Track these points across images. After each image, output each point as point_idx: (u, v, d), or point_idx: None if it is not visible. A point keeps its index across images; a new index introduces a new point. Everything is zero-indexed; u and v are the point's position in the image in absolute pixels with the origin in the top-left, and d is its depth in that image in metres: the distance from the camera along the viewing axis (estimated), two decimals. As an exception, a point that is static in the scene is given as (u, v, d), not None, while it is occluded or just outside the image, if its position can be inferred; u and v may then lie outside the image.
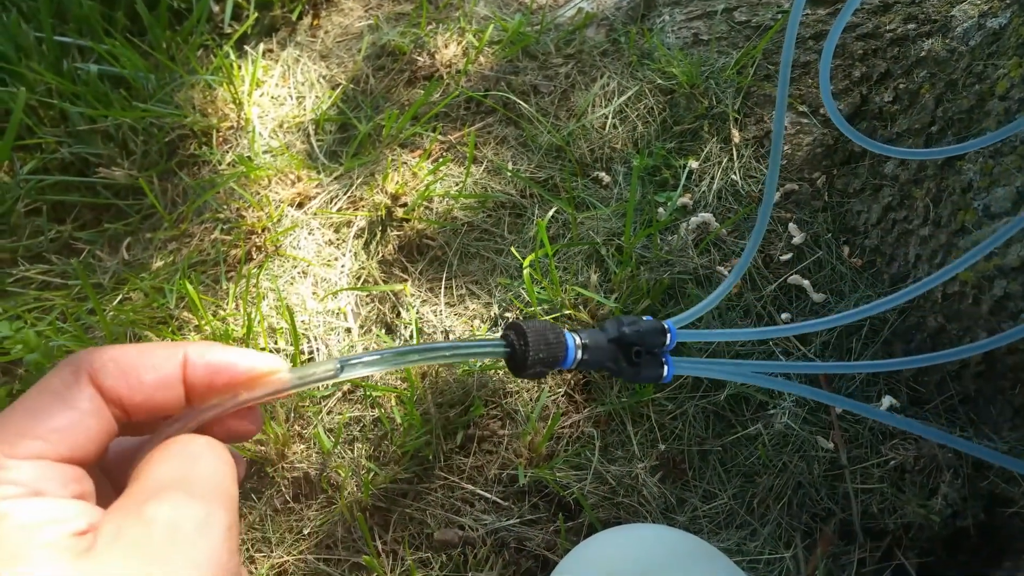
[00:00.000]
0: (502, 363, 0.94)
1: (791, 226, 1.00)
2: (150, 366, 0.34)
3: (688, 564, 0.71)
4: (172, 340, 0.99)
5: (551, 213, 1.03)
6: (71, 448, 0.32)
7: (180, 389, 0.35)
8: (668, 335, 0.47)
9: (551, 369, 0.42)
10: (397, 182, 1.06)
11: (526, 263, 0.94)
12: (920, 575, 0.87)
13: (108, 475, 0.37)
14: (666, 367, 0.47)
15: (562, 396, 0.94)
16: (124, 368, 0.34)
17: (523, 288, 0.96)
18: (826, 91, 0.62)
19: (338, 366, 0.37)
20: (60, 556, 0.28)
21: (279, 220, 1.08)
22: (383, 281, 1.03)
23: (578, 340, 0.43)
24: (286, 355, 0.97)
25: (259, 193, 1.11)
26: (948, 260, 0.87)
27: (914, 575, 0.84)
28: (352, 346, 0.99)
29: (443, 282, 1.03)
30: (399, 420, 0.90)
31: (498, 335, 0.42)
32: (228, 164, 1.18)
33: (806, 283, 0.96)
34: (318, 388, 0.95)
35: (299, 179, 1.11)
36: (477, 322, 0.99)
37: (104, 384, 0.33)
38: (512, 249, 1.01)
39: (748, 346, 0.94)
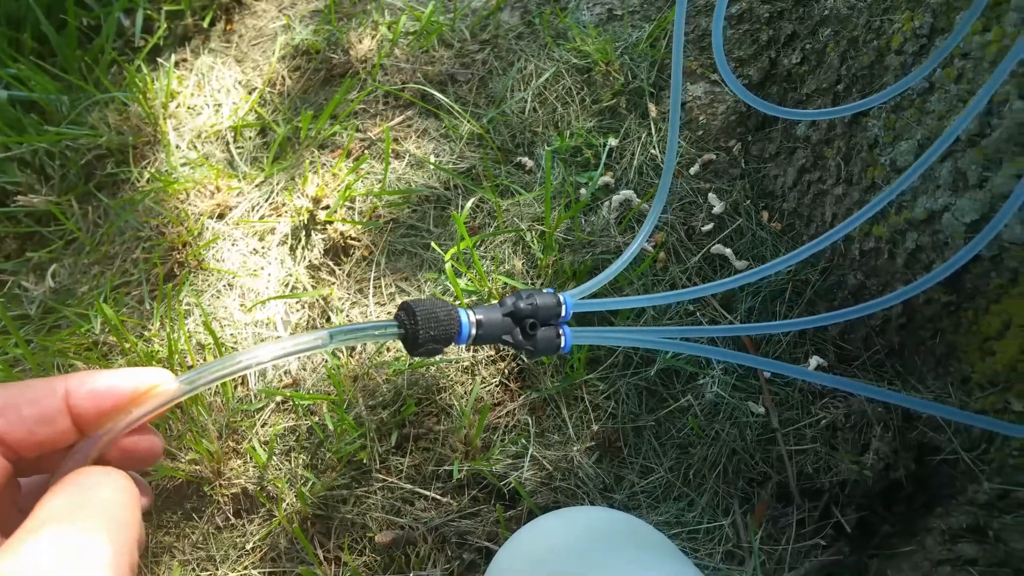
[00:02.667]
0: (433, 359, 0.94)
1: (711, 196, 1.00)
2: (28, 401, 0.34)
3: (619, 542, 0.71)
4: (98, 367, 0.98)
5: (470, 204, 1.02)
6: None
7: (66, 422, 0.35)
8: (563, 307, 0.48)
9: (446, 345, 0.43)
10: (317, 184, 1.05)
11: (448, 256, 0.94)
12: (859, 530, 0.89)
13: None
14: (563, 338, 0.47)
15: (496, 386, 0.94)
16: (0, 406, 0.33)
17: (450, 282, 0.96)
18: (719, 53, 0.61)
19: (236, 362, 0.37)
20: None
21: (199, 234, 1.06)
22: (311, 286, 1.02)
23: (472, 317, 0.43)
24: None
25: (177, 208, 1.09)
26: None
27: (849, 531, 0.85)
28: (283, 355, 0.97)
29: (371, 282, 1.02)
30: (331, 427, 0.89)
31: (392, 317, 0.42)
32: (147, 181, 1.16)
33: (728, 252, 0.96)
34: (251, 400, 0.94)
35: (218, 189, 1.10)
36: (408, 319, 0.99)
37: None
38: (433, 244, 1.00)
39: (676, 318, 0.94)
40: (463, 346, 0.41)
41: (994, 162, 0.73)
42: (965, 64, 0.75)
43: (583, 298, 0.52)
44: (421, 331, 0.41)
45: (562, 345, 0.47)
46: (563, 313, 0.47)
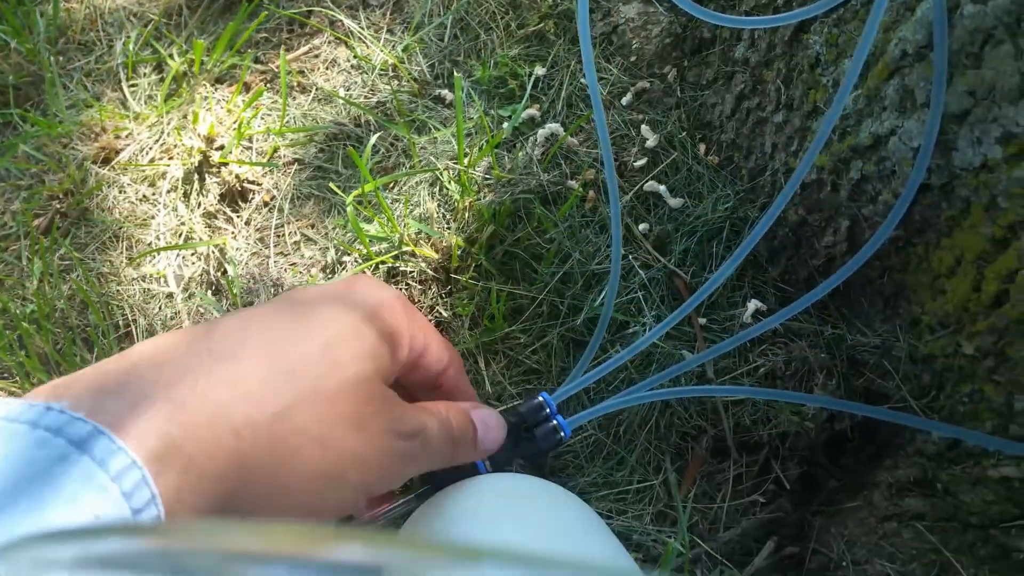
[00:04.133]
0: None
1: (644, 128, 0.91)
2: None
3: (527, 511, 0.64)
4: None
5: (373, 140, 0.92)
6: None
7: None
8: (546, 405, 0.52)
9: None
10: (210, 122, 0.95)
11: (350, 200, 0.85)
12: (802, 485, 0.83)
13: None
14: (561, 429, 0.51)
15: (410, 341, 0.85)
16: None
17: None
18: None
19: None
20: None
21: (83, 180, 0.96)
22: (208, 236, 0.92)
23: None
24: (100, 330, 0.87)
25: (59, 153, 0.98)
26: (803, 147, 0.80)
27: (789, 487, 0.79)
28: (176, 313, 0.88)
29: (273, 230, 0.92)
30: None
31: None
32: (30, 125, 1.04)
33: (662, 188, 0.88)
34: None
35: (103, 131, 0.99)
36: (315, 270, 0.90)
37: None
38: (332, 186, 0.90)
39: (605, 263, 0.86)
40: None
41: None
42: (913, -34, 0.66)
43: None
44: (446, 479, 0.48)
45: (562, 435, 0.52)
46: (548, 409, 0.52)
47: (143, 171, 0.96)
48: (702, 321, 0.83)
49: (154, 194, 0.95)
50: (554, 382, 0.83)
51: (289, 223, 0.93)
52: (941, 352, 0.75)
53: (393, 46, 1.02)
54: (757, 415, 0.81)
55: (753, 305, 0.82)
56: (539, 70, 0.98)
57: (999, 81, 0.60)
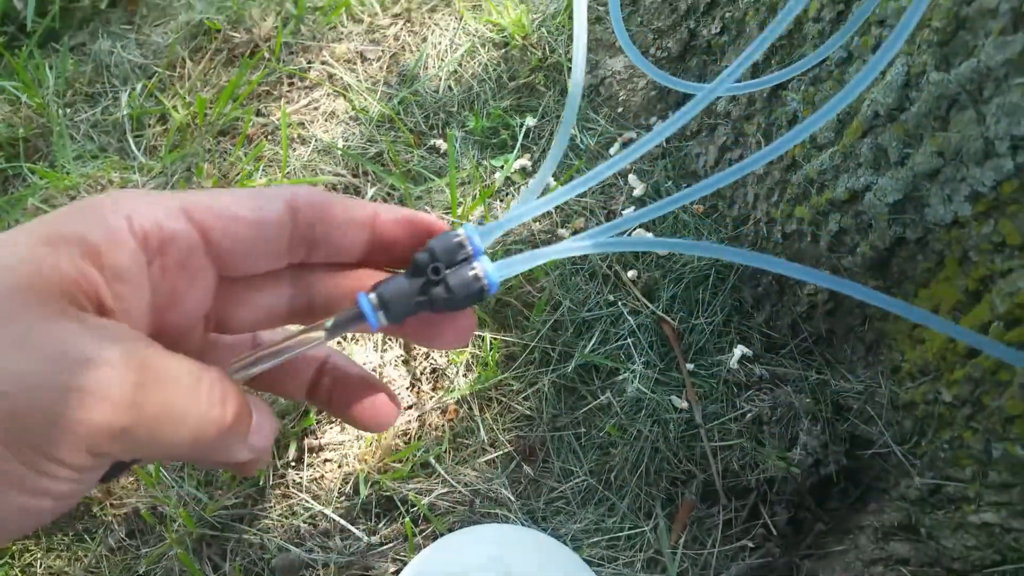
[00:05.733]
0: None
1: (631, 177, 0.94)
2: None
3: (520, 563, 0.66)
4: None
5: (372, 192, 0.95)
6: None
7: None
8: (467, 241, 0.35)
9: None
10: (214, 175, 0.98)
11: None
12: (791, 528, 0.84)
13: None
14: (483, 275, 0.35)
15: (406, 388, 0.88)
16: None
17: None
18: (619, 25, 0.55)
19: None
20: None
21: (88, 233, 0.99)
22: (210, 286, 0.95)
23: (372, 297, 0.33)
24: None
25: (65, 205, 1.01)
26: (784, 197, 0.83)
27: (777, 532, 0.81)
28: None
29: (274, 280, 0.95)
30: (222, 440, 0.83)
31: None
32: (38, 177, 1.08)
33: (649, 236, 0.90)
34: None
35: (110, 183, 1.02)
36: (313, 318, 0.92)
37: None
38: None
39: (594, 308, 0.89)
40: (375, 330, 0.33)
41: (915, 138, 0.67)
42: (882, 32, 0.69)
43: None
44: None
45: (484, 284, 0.35)
46: (472, 248, 0.35)
47: (147, 223, 0.99)
48: (690, 367, 0.85)
49: (158, 245, 0.98)
50: (546, 428, 0.85)
51: (288, 273, 0.95)
52: (922, 399, 0.77)
53: (390, 98, 1.05)
54: (745, 460, 0.83)
55: (739, 351, 0.85)
56: (530, 121, 1.01)
57: (965, 144, 0.62)
